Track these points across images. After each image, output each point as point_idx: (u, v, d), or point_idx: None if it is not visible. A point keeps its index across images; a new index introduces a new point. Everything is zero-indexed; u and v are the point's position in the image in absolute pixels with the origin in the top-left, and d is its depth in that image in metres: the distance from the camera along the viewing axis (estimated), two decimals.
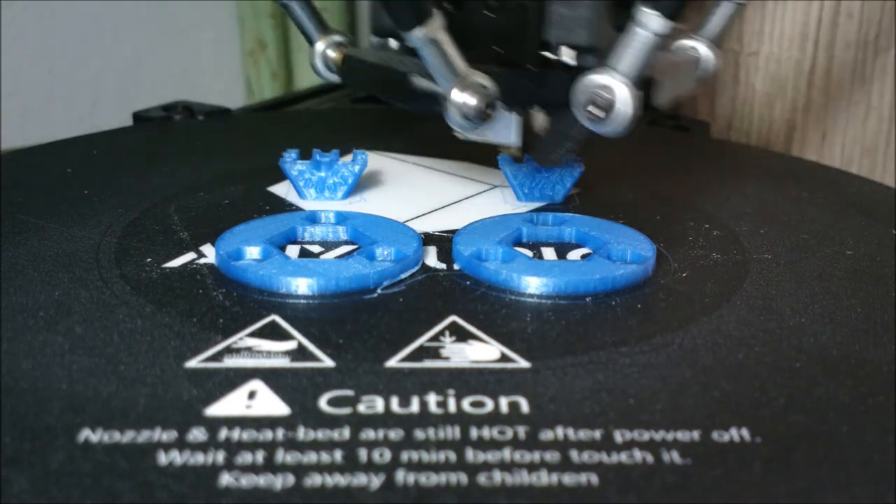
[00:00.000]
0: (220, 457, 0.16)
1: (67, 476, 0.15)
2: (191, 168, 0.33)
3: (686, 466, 0.16)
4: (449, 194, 0.31)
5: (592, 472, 0.16)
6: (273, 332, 0.20)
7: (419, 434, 0.17)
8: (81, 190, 0.30)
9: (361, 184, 0.31)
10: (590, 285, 0.23)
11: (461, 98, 0.24)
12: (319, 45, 0.30)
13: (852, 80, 0.47)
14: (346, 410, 0.17)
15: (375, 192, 0.31)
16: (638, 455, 0.16)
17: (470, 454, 0.16)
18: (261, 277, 0.23)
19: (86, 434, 0.16)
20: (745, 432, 0.17)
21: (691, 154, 0.38)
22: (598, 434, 0.17)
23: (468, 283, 0.23)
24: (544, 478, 0.16)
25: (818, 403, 0.18)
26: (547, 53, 0.27)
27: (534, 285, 0.23)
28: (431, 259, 0.25)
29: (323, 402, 0.18)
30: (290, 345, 0.20)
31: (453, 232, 0.26)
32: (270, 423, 0.17)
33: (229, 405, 0.18)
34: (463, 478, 0.15)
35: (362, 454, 0.16)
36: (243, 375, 0.19)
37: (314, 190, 0.29)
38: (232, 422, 0.17)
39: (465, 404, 0.18)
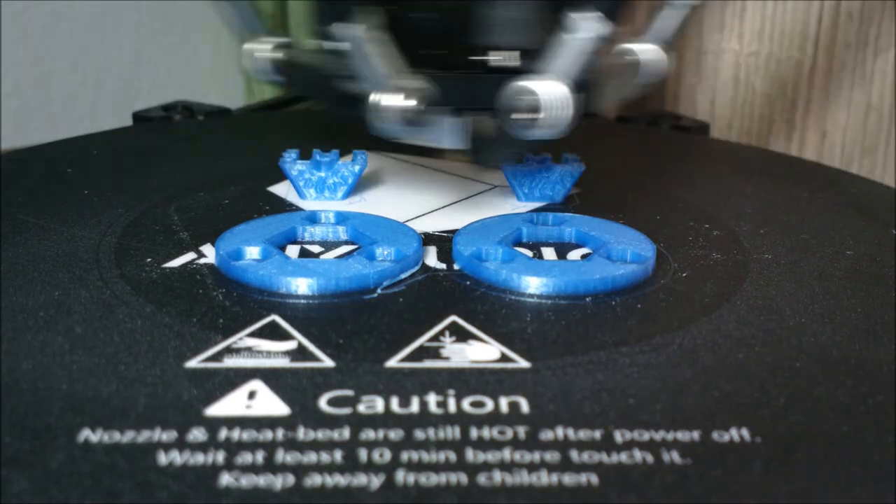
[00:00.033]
0: (220, 457, 0.16)
1: (67, 476, 0.15)
2: (191, 168, 0.33)
3: (686, 466, 0.16)
4: (449, 194, 0.31)
5: (592, 472, 0.16)
6: (273, 332, 0.20)
7: (419, 434, 0.17)
8: (81, 190, 0.30)
9: (361, 184, 0.31)
10: (590, 285, 0.23)
11: (392, 100, 0.23)
12: (253, 45, 0.30)
13: (852, 80, 0.47)
14: (346, 410, 0.17)
15: (375, 192, 0.31)
16: (638, 455, 0.16)
17: (470, 454, 0.16)
18: (261, 277, 0.23)
19: (86, 434, 0.16)
20: (745, 432, 0.17)
21: (691, 154, 0.38)
22: (598, 434, 0.17)
23: (468, 283, 0.23)
24: (544, 478, 0.16)
25: (818, 403, 0.18)
26: (486, 57, 0.26)
27: (534, 285, 0.23)
28: (431, 259, 0.25)
29: (323, 402, 0.18)
30: (290, 345, 0.20)
31: (453, 232, 0.26)
32: (270, 423, 0.17)
33: (229, 405, 0.18)
34: (463, 478, 0.15)
35: (362, 454, 0.16)
36: (243, 375, 0.19)
37: (314, 190, 0.29)
38: (232, 422, 0.17)
39: (465, 404, 0.18)
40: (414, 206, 0.29)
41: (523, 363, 0.19)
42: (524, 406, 0.18)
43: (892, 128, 0.47)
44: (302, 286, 0.22)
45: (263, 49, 0.30)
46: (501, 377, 0.19)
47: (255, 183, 0.31)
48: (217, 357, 0.19)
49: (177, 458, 0.16)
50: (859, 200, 0.31)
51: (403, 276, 0.24)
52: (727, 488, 0.15)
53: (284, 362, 0.19)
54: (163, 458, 0.16)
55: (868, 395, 0.18)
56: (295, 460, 0.16)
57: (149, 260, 0.24)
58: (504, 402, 0.18)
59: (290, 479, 0.15)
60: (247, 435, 0.17)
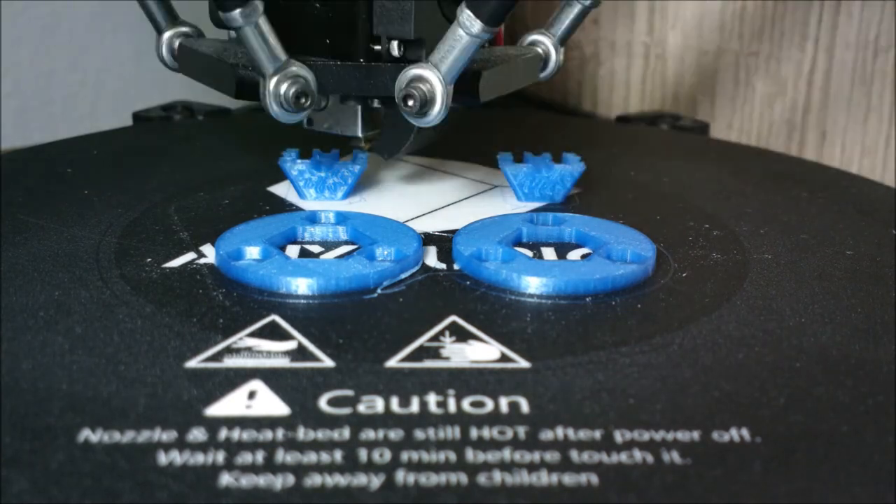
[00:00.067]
0: (220, 457, 0.16)
1: (67, 476, 0.15)
2: (191, 168, 0.33)
3: (686, 466, 0.16)
4: (449, 194, 0.31)
5: (592, 472, 0.16)
6: (273, 332, 0.20)
7: (419, 434, 0.17)
8: (81, 190, 0.30)
9: (361, 184, 0.31)
10: (590, 285, 0.23)
11: (278, 87, 0.24)
12: (166, 35, 0.30)
13: (852, 80, 0.47)
14: (346, 410, 0.17)
15: (375, 192, 0.31)
16: (638, 455, 0.16)
17: (470, 454, 0.16)
18: (261, 277, 0.23)
19: (86, 434, 0.16)
20: (745, 432, 0.17)
21: (691, 154, 0.38)
22: (598, 434, 0.17)
23: (468, 283, 0.23)
24: (544, 478, 0.16)
25: (818, 403, 0.18)
26: (376, 46, 0.27)
27: (534, 285, 0.23)
28: (431, 259, 0.25)
29: (323, 402, 0.18)
30: (290, 345, 0.20)
31: (453, 232, 0.26)
32: (270, 423, 0.17)
33: (229, 405, 0.18)
34: (463, 478, 0.15)
35: (362, 454, 0.16)
36: (243, 375, 0.19)
37: (314, 190, 0.29)
38: (232, 422, 0.17)
39: (465, 404, 0.18)
40: (414, 206, 0.29)
41: (523, 363, 0.19)
42: (524, 406, 0.18)
43: (892, 128, 0.47)
44: (302, 286, 0.22)
45: (175, 38, 0.30)
46: (501, 377, 0.19)
47: (255, 183, 0.31)
48: (217, 357, 0.19)
49: (177, 458, 0.16)
50: (859, 200, 0.31)
51: (403, 276, 0.24)
52: (727, 488, 0.15)
53: (284, 362, 0.19)
54: (163, 458, 0.16)
55: (868, 395, 0.18)
56: (295, 460, 0.16)
57: (149, 260, 0.24)
58: (504, 402, 0.18)
59: (290, 479, 0.15)
60: (247, 435, 0.17)
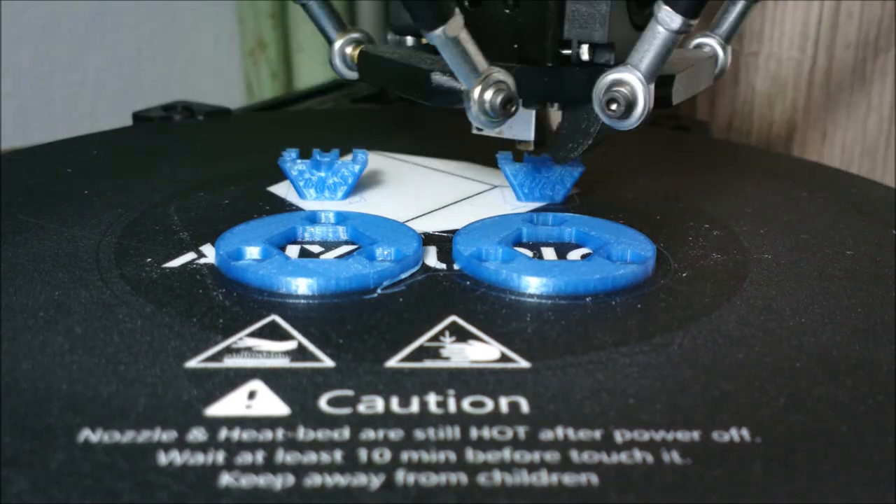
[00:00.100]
0: (220, 457, 0.16)
1: (67, 476, 0.15)
2: (191, 168, 0.33)
3: (686, 466, 0.16)
4: (449, 194, 0.31)
5: (592, 472, 0.16)
6: (273, 332, 0.20)
7: (419, 434, 0.17)
8: (81, 190, 0.30)
9: (361, 184, 0.31)
10: (590, 285, 0.23)
11: (483, 95, 0.24)
12: (338, 43, 0.31)
13: (852, 80, 0.47)
14: (346, 410, 0.17)
15: (375, 192, 0.31)
16: (638, 455, 0.16)
17: (470, 454, 0.16)
18: (261, 277, 0.23)
19: (86, 434, 0.16)
20: (745, 432, 0.17)
21: (691, 154, 0.38)
22: (598, 434, 0.17)
23: (468, 283, 0.23)
24: (544, 478, 0.16)
25: (818, 403, 0.18)
26: (565, 50, 0.27)
27: (534, 285, 0.23)
28: (431, 259, 0.25)
29: (323, 402, 0.18)
30: (290, 345, 0.20)
31: (453, 232, 0.26)
32: (270, 423, 0.17)
33: (229, 405, 0.18)
34: (463, 478, 0.15)
35: (362, 454, 0.16)
36: (243, 375, 0.19)
37: (314, 190, 0.29)
38: (232, 422, 0.17)
39: (465, 404, 0.18)
40: (414, 206, 0.29)
41: (523, 363, 0.19)
42: (524, 406, 0.18)
43: (892, 128, 0.47)
44: (302, 286, 0.22)
45: (347, 46, 0.30)
46: (501, 377, 0.19)
47: (255, 183, 0.31)
48: (217, 357, 0.19)
49: (177, 458, 0.16)
50: (859, 200, 0.31)
51: (403, 276, 0.24)
52: (727, 488, 0.15)
53: (284, 362, 0.19)
54: (163, 458, 0.16)
55: (868, 395, 0.18)
56: (295, 460, 0.16)
57: (149, 260, 0.24)
58: (504, 402, 0.18)
59: (290, 479, 0.15)
60: (247, 435, 0.17)
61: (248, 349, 0.20)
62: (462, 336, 0.21)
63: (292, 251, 0.25)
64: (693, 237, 0.27)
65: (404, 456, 0.16)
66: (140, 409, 0.17)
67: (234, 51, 0.67)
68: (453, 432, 0.17)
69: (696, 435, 0.17)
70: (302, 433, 0.17)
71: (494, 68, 0.24)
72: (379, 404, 0.18)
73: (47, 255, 0.24)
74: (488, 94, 0.24)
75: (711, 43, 0.30)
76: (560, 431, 0.17)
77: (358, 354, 0.20)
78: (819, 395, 0.18)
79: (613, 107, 0.24)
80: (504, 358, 0.20)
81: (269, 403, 0.18)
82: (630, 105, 0.24)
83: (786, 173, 0.35)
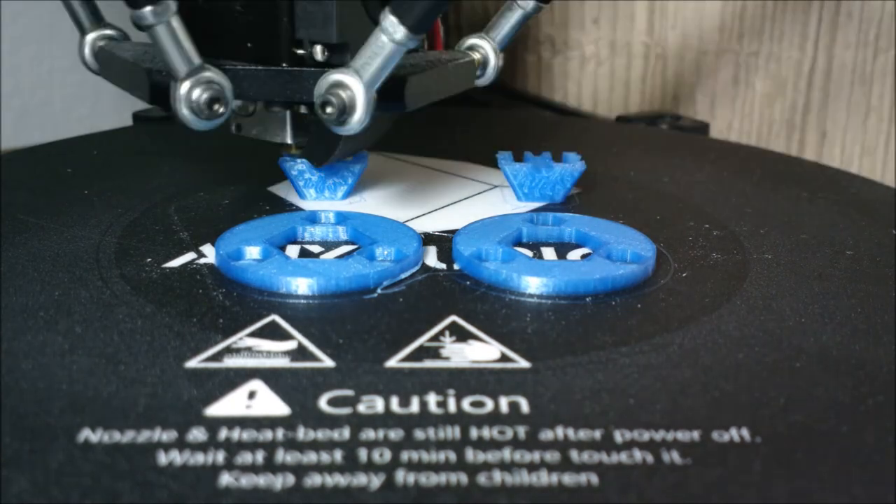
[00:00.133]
0: (220, 457, 0.16)
1: (67, 476, 0.15)
2: (191, 168, 0.33)
3: (686, 466, 0.16)
4: (449, 194, 0.31)
5: (592, 472, 0.16)
6: (273, 332, 0.20)
7: (419, 434, 0.17)
8: (81, 190, 0.30)
9: (361, 184, 0.31)
10: (590, 285, 0.23)
11: (189, 91, 0.22)
12: (89, 36, 0.29)
13: (852, 80, 0.47)
14: (346, 410, 0.17)
15: (375, 192, 0.31)
16: (638, 455, 0.16)
17: (470, 454, 0.16)
18: (261, 277, 0.23)
19: (86, 434, 0.16)
20: (745, 432, 0.17)
21: (691, 154, 0.38)
22: (598, 434, 0.17)
23: (468, 283, 0.23)
24: (544, 478, 0.16)
25: (818, 403, 0.18)
26: (300, 50, 0.26)
27: (534, 285, 0.23)
28: (431, 259, 0.25)
29: (323, 402, 0.18)
30: (290, 345, 0.20)
31: (453, 232, 0.26)
32: (270, 423, 0.17)
33: (229, 405, 0.18)
34: (463, 478, 0.15)
35: (362, 454, 0.16)
36: (243, 375, 0.19)
37: (314, 190, 0.29)
38: (232, 422, 0.17)
39: (465, 404, 0.18)
40: (414, 206, 0.29)
41: (523, 363, 0.19)
42: (524, 406, 0.18)
43: (892, 128, 0.47)
44: (302, 286, 0.22)
45: (91, 40, 0.29)
46: (501, 377, 0.19)
47: (255, 183, 0.31)
48: (217, 357, 0.19)
49: (177, 458, 0.16)
50: (859, 200, 0.31)
51: (403, 276, 0.24)
52: (727, 488, 0.15)
53: (284, 362, 0.19)
54: (163, 458, 0.16)
55: (868, 395, 0.18)
56: (295, 460, 0.16)
57: (149, 260, 0.24)
58: (504, 402, 0.18)
59: (290, 479, 0.15)
60: (247, 435, 0.17)
61: (248, 349, 0.20)
62: (462, 336, 0.21)
63: (292, 251, 0.25)
64: (693, 237, 0.27)
65: (404, 456, 0.16)
66: (140, 409, 0.17)
67: None
68: (453, 432, 0.17)
69: (696, 435, 0.17)
70: (302, 433, 0.17)
71: (207, 66, 0.23)
72: (379, 404, 0.18)
73: (47, 255, 0.24)
74: (196, 92, 0.22)
75: (483, 45, 0.29)
76: (560, 431, 0.17)
77: (358, 354, 0.20)
78: (819, 395, 0.18)
79: (329, 110, 0.23)
80: (504, 358, 0.20)
81: (269, 403, 0.18)
82: (346, 109, 0.23)
83: (786, 173, 0.35)
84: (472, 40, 0.29)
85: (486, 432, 0.17)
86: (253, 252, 0.24)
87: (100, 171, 0.33)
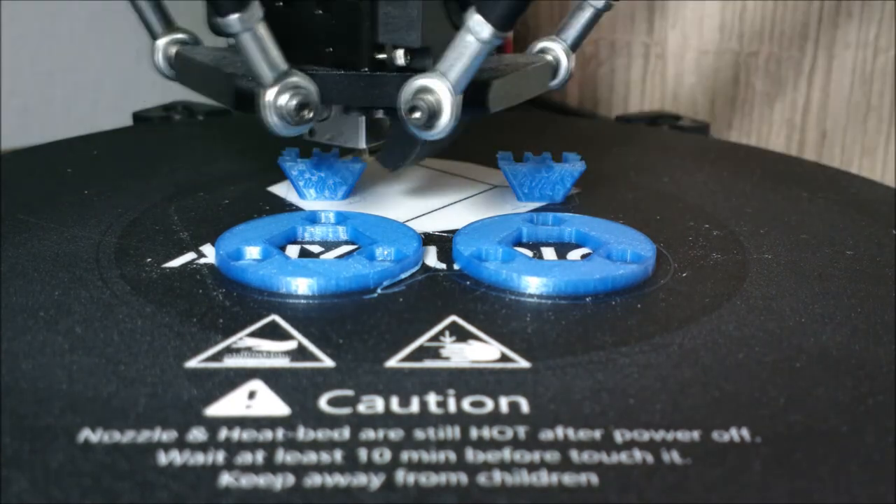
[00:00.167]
0: (220, 457, 0.16)
1: (67, 476, 0.15)
2: (191, 168, 0.33)
3: (686, 466, 0.16)
4: (449, 194, 0.31)
5: (592, 472, 0.16)
6: (273, 332, 0.20)
7: (419, 434, 0.17)
8: (81, 190, 0.30)
9: (361, 184, 0.31)
10: (590, 285, 0.23)
11: (277, 98, 0.22)
12: (161, 41, 0.29)
13: (852, 80, 0.47)
14: (346, 410, 0.17)
15: (375, 192, 0.31)
16: (638, 455, 0.16)
17: (470, 454, 0.16)
18: (261, 277, 0.23)
19: (86, 434, 0.16)
20: (745, 432, 0.17)
21: (691, 154, 0.38)
22: (598, 434, 0.17)
23: (468, 283, 0.23)
24: (544, 478, 0.16)
25: (818, 403, 0.18)
26: (381, 55, 0.26)
27: (534, 285, 0.23)
28: (431, 259, 0.25)
29: (323, 402, 0.18)
30: (290, 345, 0.20)
31: (453, 232, 0.26)
32: (270, 423, 0.17)
33: (229, 405, 0.18)
34: (463, 478, 0.15)
35: (362, 454, 0.16)
36: (243, 375, 0.19)
37: (314, 190, 0.29)
38: (232, 422, 0.17)
39: (465, 404, 0.18)
40: (414, 206, 0.29)
41: (523, 363, 0.19)
42: (524, 406, 0.18)
43: (892, 128, 0.47)
44: (302, 286, 0.22)
45: (172, 46, 0.29)
46: (501, 377, 0.19)
47: (255, 183, 0.31)
48: (217, 357, 0.19)
49: (177, 458, 0.16)
50: (859, 200, 0.31)
51: (403, 276, 0.24)
52: (727, 488, 0.15)
53: (284, 362, 0.19)
54: (163, 458, 0.16)
55: (868, 395, 0.18)
56: (295, 460, 0.16)
57: (149, 260, 0.24)
58: (504, 402, 0.18)
59: (290, 479, 0.15)
60: (247, 435, 0.17)
61: (248, 349, 0.20)
62: (462, 336, 0.21)
63: (292, 251, 0.25)
64: (693, 237, 0.27)
65: (404, 456, 0.16)
66: (140, 409, 0.17)
67: None
68: (453, 432, 0.17)
69: (696, 435, 0.17)
70: (302, 433, 0.17)
71: (294, 71, 0.23)
72: (379, 404, 0.18)
73: (47, 255, 0.24)
74: (283, 98, 0.22)
75: (555, 48, 0.29)
76: (560, 431, 0.17)
77: (358, 354, 0.20)
78: (819, 395, 0.18)
79: (416, 115, 0.22)
80: (504, 358, 0.20)
81: (269, 403, 0.18)
82: (434, 114, 0.23)
83: (785, 173, 0.35)
84: (543, 43, 0.29)
85: (486, 432, 0.17)
86: (253, 252, 0.24)
87: (100, 171, 0.33)
